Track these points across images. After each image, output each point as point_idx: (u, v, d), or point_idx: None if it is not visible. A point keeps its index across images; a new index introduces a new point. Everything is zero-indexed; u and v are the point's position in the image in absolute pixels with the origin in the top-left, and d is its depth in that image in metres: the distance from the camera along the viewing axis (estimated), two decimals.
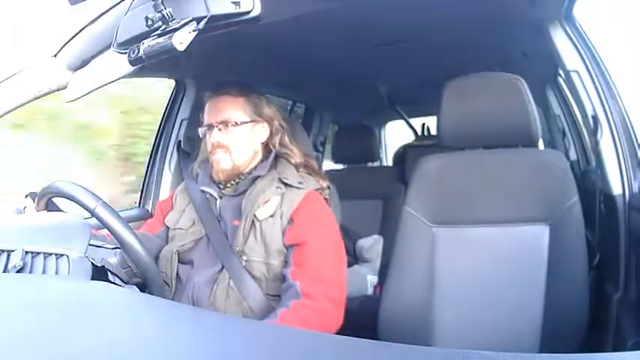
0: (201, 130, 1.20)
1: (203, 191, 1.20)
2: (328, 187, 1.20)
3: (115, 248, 1.03)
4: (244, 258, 1.09)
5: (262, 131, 1.19)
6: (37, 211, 0.99)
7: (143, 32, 0.79)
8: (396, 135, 3.87)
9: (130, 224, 0.91)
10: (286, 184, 1.13)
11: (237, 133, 1.15)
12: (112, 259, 0.98)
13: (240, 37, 1.15)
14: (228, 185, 1.18)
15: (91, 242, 0.92)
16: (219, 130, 1.15)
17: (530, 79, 1.24)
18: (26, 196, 1.04)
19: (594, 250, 1.22)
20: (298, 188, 1.13)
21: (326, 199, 1.18)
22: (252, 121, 1.17)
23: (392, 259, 1.22)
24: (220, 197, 1.17)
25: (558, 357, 0.39)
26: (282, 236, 1.09)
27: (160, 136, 1.74)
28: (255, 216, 1.10)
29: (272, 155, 1.18)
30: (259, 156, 1.19)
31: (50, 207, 1.00)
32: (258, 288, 1.08)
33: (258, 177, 1.15)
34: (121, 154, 3.17)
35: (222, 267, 1.09)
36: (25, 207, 1.04)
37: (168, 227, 1.21)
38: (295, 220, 1.10)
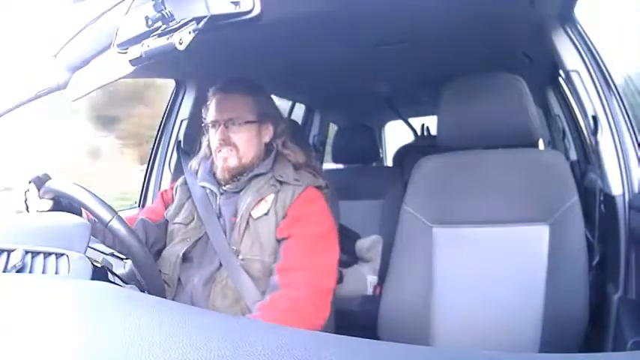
0: (204, 126, 1.19)
1: (203, 187, 1.19)
2: (327, 187, 1.20)
3: (126, 259, 1.03)
4: (240, 257, 1.09)
5: (267, 132, 1.18)
6: (40, 199, 0.98)
7: (143, 32, 0.79)
8: (395, 135, 3.87)
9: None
10: (282, 182, 1.13)
11: (244, 132, 1.14)
12: (120, 270, 0.98)
13: (240, 37, 1.15)
14: (230, 182, 1.17)
15: (103, 250, 0.92)
16: (226, 127, 1.14)
17: (530, 79, 1.24)
18: (30, 182, 1.00)
19: (594, 250, 1.22)
20: (295, 185, 1.13)
21: (325, 197, 1.18)
22: (258, 121, 1.16)
23: (391, 259, 1.22)
24: (220, 194, 1.17)
25: (558, 357, 0.39)
26: (275, 232, 1.10)
27: (160, 135, 1.74)
28: (250, 215, 1.10)
29: (273, 154, 1.18)
30: (262, 155, 1.19)
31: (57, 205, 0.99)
32: (255, 287, 1.08)
33: (256, 175, 1.15)
34: None
35: (220, 265, 1.10)
36: (26, 191, 0.99)
37: (167, 220, 1.22)
38: (289, 215, 1.10)
